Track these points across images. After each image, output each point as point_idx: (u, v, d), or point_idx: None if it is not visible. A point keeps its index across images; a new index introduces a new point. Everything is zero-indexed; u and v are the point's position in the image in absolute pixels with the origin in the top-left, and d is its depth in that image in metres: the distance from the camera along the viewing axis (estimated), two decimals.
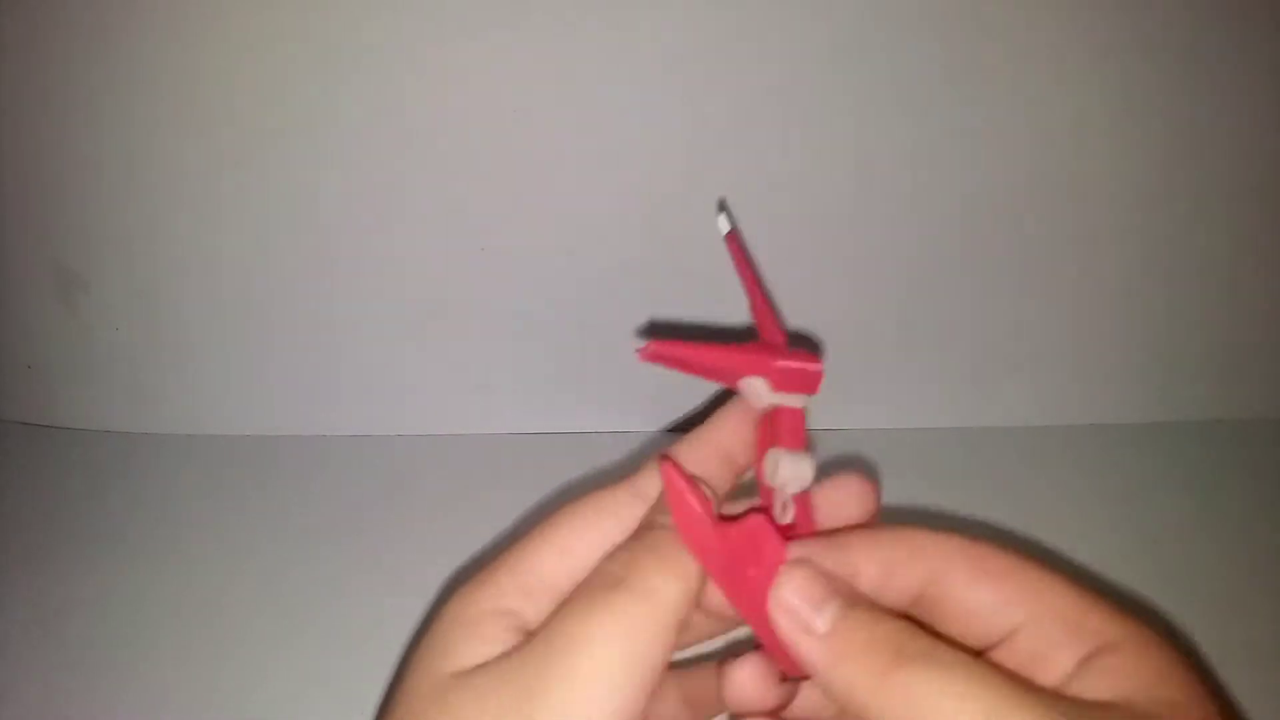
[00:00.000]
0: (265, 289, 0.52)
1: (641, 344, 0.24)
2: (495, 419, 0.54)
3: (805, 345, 0.30)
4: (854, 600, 0.22)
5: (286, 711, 0.38)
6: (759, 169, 0.48)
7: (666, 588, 0.22)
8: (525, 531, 0.25)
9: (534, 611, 0.23)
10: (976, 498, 0.48)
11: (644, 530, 0.24)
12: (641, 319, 0.50)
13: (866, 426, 0.54)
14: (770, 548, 0.23)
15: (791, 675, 0.24)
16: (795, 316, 0.52)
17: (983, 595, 0.22)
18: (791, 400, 0.25)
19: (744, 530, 0.23)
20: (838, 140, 0.48)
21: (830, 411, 0.54)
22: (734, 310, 0.51)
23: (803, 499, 0.25)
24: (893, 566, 0.23)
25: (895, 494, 0.48)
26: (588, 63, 0.46)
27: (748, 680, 0.24)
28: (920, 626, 0.21)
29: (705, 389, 0.45)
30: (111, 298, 0.52)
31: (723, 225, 0.29)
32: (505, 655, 0.22)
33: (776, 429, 0.25)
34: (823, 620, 0.22)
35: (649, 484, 0.25)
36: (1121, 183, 0.49)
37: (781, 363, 0.25)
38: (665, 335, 0.29)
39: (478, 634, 0.23)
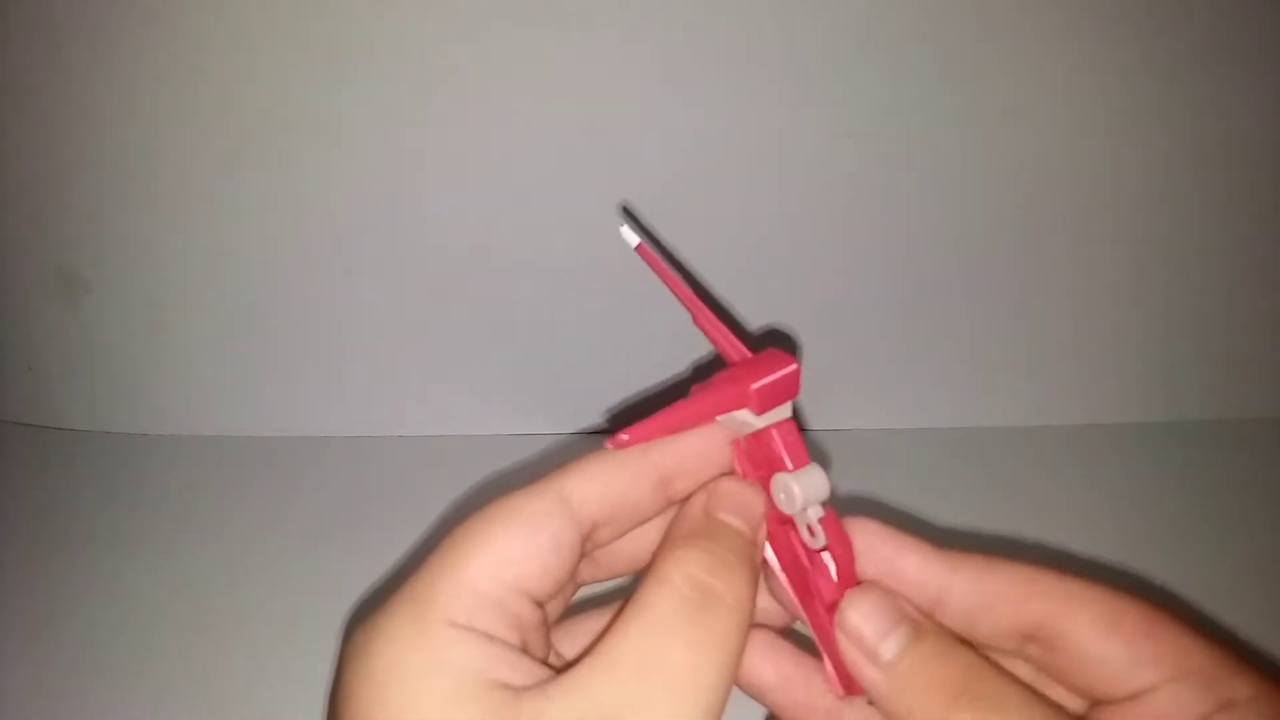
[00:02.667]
0: (265, 290, 0.52)
1: (615, 436, 0.21)
2: (495, 420, 0.54)
3: (769, 341, 0.26)
4: (921, 630, 0.22)
5: (286, 711, 0.38)
6: (759, 168, 0.48)
7: (749, 602, 0.21)
8: (441, 540, 0.21)
9: (499, 626, 0.20)
10: (976, 498, 0.48)
11: (712, 529, 0.22)
12: (644, 320, 0.50)
13: (866, 426, 0.54)
14: (845, 562, 0.23)
15: (850, 694, 0.23)
16: (795, 316, 0.52)
17: (1116, 650, 0.21)
18: (778, 413, 0.23)
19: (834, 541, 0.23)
20: (838, 139, 0.48)
21: (830, 411, 0.54)
22: (741, 310, 0.51)
23: (827, 513, 0.23)
24: (998, 598, 0.22)
25: (896, 494, 0.48)
26: (587, 64, 0.46)
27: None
28: (991, 662, 0.21)
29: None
30: (112, 298, 0.52)
31: (629, 238, 0.24)
32: (570, 674, 0.19)
33: (772, 450, 0.23)
34: (888, 648, 0.21)
35: (572, 487, 0.22)
36: (1122, 183, 0.49)
37: (758, 383, 0.22)
38: (628, 418, 0.25)
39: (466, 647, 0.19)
